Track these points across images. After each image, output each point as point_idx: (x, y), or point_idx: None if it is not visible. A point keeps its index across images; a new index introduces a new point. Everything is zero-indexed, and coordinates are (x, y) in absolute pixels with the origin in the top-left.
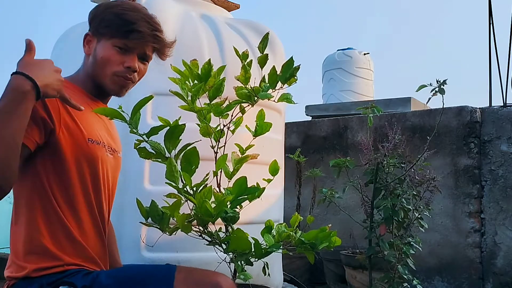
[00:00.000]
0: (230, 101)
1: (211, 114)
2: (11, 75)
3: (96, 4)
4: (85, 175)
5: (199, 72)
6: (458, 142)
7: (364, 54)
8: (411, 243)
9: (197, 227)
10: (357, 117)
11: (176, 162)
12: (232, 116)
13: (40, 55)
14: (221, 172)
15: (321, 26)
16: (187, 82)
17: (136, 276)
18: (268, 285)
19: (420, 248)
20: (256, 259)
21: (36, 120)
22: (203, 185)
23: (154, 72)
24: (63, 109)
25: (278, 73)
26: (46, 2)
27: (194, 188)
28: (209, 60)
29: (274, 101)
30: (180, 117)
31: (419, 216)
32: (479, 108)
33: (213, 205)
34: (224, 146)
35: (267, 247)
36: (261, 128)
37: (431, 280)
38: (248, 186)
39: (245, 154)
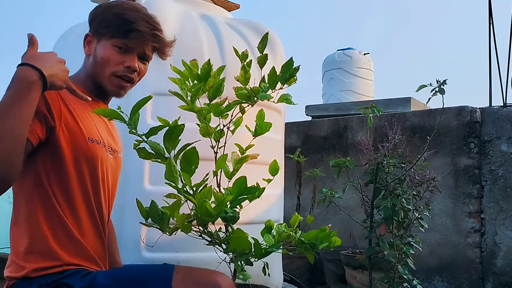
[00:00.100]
0: (230, 101)
1: (211, 114)
2: (17, 66)
3: (96, 4)
4: (84, 174)
5: (199, 72)
6: (458, 142)
7: (364, 54)
8: (411, 243)
9: (197, 227)
10: (357, 117)
11: (176, 162)
12: (232, 116)
13: None
14: (221, 172)
15: (321, 26)
16: (186, 82)
17: (134, 276)
18: (268, 285)
19: (420, 248)
20: (256, 259)
21: (38, 116)
22: (203, 185)
23: (153, 72)
24: (64, 107)
25: (278, 73)
26: (46, 2)
27: (194, 188)
28: (209, 60)
29: (273, 101)
30: (180, 117)
31: (419, 216)
32: (479, 108)
33: (213, 205)
34: (224, 146)
35: (267, 247)
36: (261, 128)
37: (431, 280)
38: (248, 186)
39: (245, 154)
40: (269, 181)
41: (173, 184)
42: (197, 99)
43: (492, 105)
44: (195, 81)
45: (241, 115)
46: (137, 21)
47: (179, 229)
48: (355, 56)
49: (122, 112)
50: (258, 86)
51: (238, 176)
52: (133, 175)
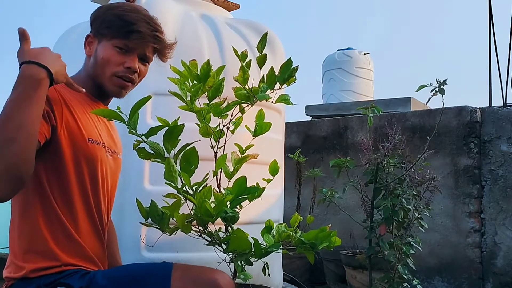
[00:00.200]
0: (230, 101)
1: (211, 114)
2: (22, 64)
3: (97, 4)
4: (83, 174)
5: (198, 72)
6: (458, 142)
7: (364, 54)
8: (411, 243)
9: (197, 227)
10: (357, 117)
11: (176, 162)
12: (231, 116)
13: None
14: (221, 172)
15: (321, 26)
16: (186, 82)
17: (132, 275)
18: (268, 285)
19: (420, 248)
20: (256, 259)
21: (43, 115)
22: (203, 185)
23: (153, 73)
24: (65, 107)
25: (277, 73)
26: (46, 2)
27: (194, 188)
28: (208, 60)
29: (272, 102)
30: (179, 117)
31: (419, 216)
32: (479, 108)
33: (213, 205)
34: (224, 146)
35: (267, 247)
36: (261, 128)
37: (431, 280)
38: (248, 186)
39: (245, 154)
40: (269, 181)
41: (173, 184)
42: (197, 99)
43: (492, 105)
44: (195, 81)
45: (240, 115)
46: (138, 22)
47: (179, 229)
48: (355, 56)
49: (122, 113)
50: (257, 86)
51: (238, 176)
52: (133, 175)
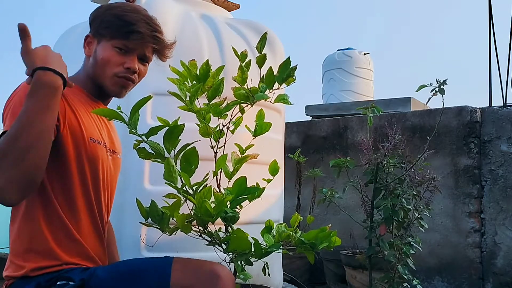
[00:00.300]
0: (230, 101)
1: (210, 114)
2: (35, 70)
3: (96, 4)
4: (85, 174)
5: (198, 72)
6: (458, 142)
7: (364, 54)
8: (411, 243)
9: (197, 227)
10: (357, 117)
11: (176, 162)
12: (231, 116)
13: None
14: (221, 172)
15: (321, 26)
16: (185, 82)
17: (133, 268)
18: (268, 285)
19: (420, 248)
20: (256, 259)
21: None
22: (203, 185)
23: (153, 72)
24: (68, 106)
25: (276, 73)
26: (44, 2)
27: (194, 188)
28: (207, 60)
29: (270, 101)
30: (180, 117)
31: (419, 216)
32: (479, 108)
33: (213, 205)
34: (224, 146)
35: (267, 247)
36: (261, 128)
37: (431, 280)
38: (248, 186)
39: (245, 154)
40: (269, 181)
41: (173, 184)
42: (196, 99)
43: (492, 105)
44: (194, 82)
45: (240, 115)
46: (138, 22)
47: (179, 229)
48: (355, 56)
49: (122, 112)
50: (257, 86)
51: (238, 176)
52: (133, 175)
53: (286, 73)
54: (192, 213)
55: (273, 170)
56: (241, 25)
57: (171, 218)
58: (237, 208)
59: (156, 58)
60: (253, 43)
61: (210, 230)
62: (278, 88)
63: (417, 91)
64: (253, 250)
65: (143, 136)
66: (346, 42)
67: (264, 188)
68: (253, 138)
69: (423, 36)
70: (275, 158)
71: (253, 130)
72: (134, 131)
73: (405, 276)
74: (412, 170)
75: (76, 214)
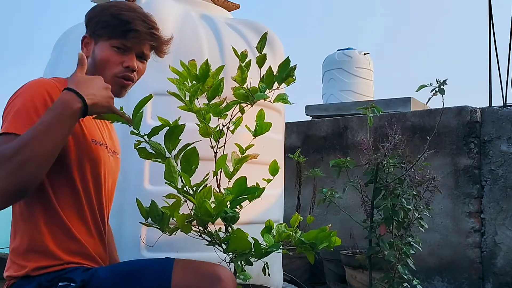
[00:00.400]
0: (230, 101)
1: (210, 114)
2: (64, 90)
3: (96, 4)
4: (86, 175)
5: (197, 72)
6: (458, 142)
7: (364, 54)
8: (411, 243)
9: (197, 227)
10: (357, 117)
11: (176, 162)
12: (231, 116)
13: (42, 56)
14: (221, 172)
15: (321, 26)
16: (185, 82)
17: (135, 268)
18: (268, 285)
19: (420, 248)
20: (256, 259)
21: None
22: (203, 185)
23: (153, 72)
24: None
25: (275, 73)
26: (50, 2)
27: (194, 188)
28: (207, 60)
29: (270, 101)
30: (180, 117)
31: (419, 216)
32: (479, 108)
33: (213, 205)
34: (224, 146)
35: (267, 247)
36: (261, 128)
37: (431, 280)
38: (248, 186)
39: (245, 154)
40: (269, 181)
41: (173, 184)
42: (196, 99)
43: (492, 105)
44: (194, 82)
45: (240, 115)
46: (134, 20)
47: (179, 229)
48: (355, 56)
49: (124, 113)
50: (257, 86)
51: (238, 176)
52: (133, 175)
53: (286, 72)
54: (192, 213)
55: (273, 170)
56: (241, 25)
57: (171, 218)
58: (237, 208)
59: (154, 55)
60: (253, 43)
61: (210, 230)
62: (278, 88)
63: (417, 91)
64: (253, 250)
65: (145, 137)
66: (346, 42)
67: (264, 188)
68: (253, 138)
69: (423, 36)
70: (275, 158)
71: (253, 130)
72: (137, 132)
73: (405, 276)
74: (412, 170)
75: (77, 214)
